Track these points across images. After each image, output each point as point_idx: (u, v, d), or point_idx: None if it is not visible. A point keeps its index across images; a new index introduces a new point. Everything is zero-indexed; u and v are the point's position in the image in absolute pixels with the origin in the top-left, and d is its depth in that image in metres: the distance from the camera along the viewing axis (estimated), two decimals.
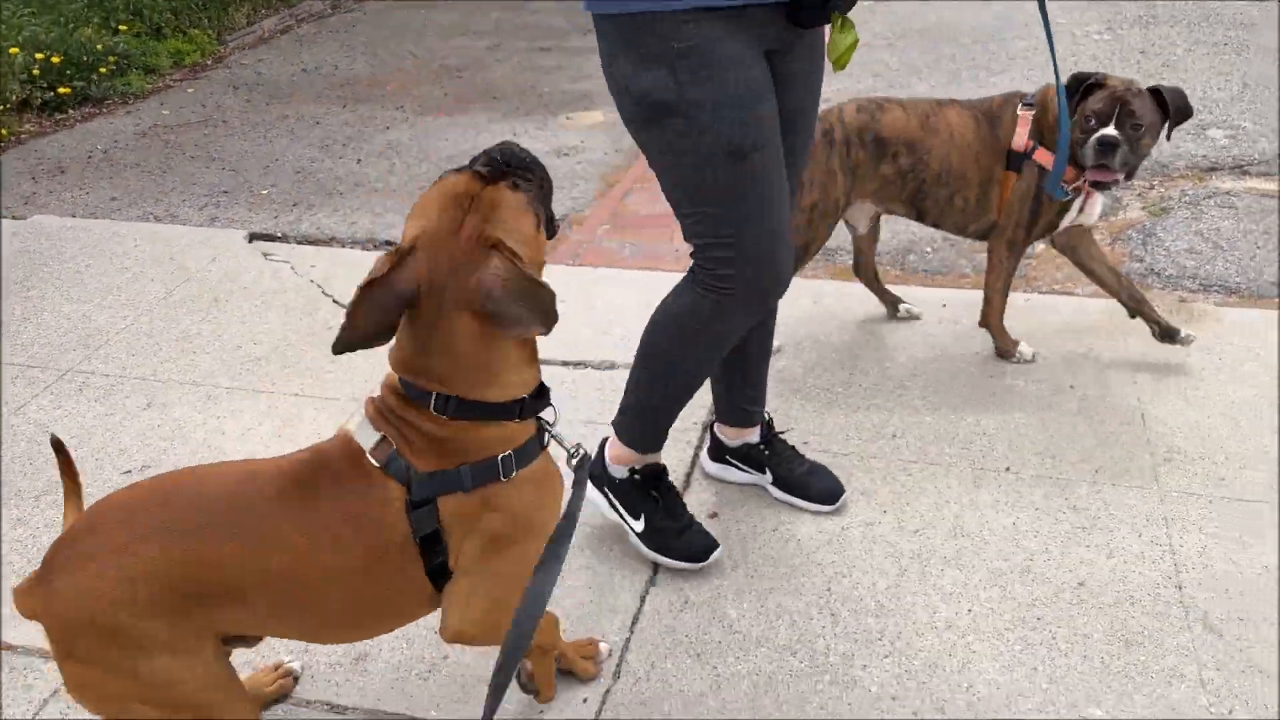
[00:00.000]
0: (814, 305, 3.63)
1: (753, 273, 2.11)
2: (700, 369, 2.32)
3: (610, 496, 2.54)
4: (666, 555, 2.47)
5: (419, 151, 5.46)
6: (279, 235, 4.52)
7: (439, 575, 1.68)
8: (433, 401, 1.60)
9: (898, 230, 4.28)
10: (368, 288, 1.52)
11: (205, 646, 1.60)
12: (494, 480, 1.64)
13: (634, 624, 2.37)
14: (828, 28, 2.05)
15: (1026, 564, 2.47)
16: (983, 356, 3.24)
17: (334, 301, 3.84)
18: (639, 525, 2.49)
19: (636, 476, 2.49)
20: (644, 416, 2.42)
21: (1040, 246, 4.09)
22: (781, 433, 2.75)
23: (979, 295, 3.68)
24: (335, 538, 1.59)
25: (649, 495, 2.49)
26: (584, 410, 3.13)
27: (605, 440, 2.56)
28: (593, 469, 2.57)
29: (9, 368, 3.50)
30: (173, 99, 6.65)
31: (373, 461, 1.61)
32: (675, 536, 2.47)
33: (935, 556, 2.51)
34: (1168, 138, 2.82)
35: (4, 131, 5.92)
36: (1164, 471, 2.74)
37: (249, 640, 1.79)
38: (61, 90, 6.38)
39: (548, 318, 1.55)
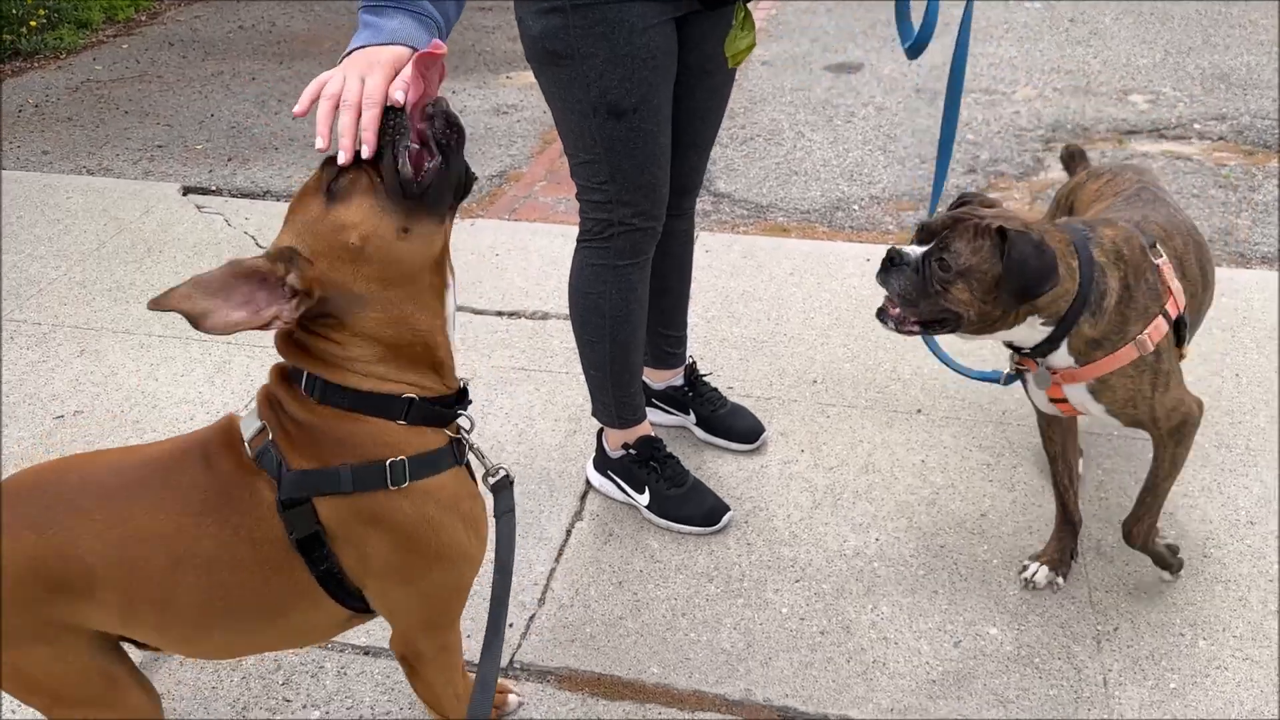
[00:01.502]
0: (744, 259, 3.73)
1: (623, 219, 2.23)
2: (624, 324, 2.38)
3: (615, 479, 2.61)
4: (677, 521, 2.53)
5: None
6: (213, 189, 4.51)
7: (333, 583, 1.51)
8: (303, 380, 1.44)
9: (827, 189, 4.39)
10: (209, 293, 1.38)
11: (79, 642, 1.49)
12: (379, 487, 1.44)
13: (560, 554, 2.46)
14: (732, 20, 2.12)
15: (932, 497, 2.60)
16: None
17: None
18: (644, 498, 2.56)
19: (631, 451, 2.57)
20: (603, 388, 2.49)
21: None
22: (705, 375, 2.85)
23: None
24: (195, 531, 1.44)
25: (648, 466, 2.56)
26: (518, 359, 3.20)
27: (601, 431, 2.63)
28: (596, 458, 2.66)
29: None
30: (106, 54, 6.55)
31: (248, 451, 1.46)
32: (682, 502, 2.53)
33: (847, 491, 2.63)
34: (996, 302, 1.85)
35: None
36: None
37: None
38: None
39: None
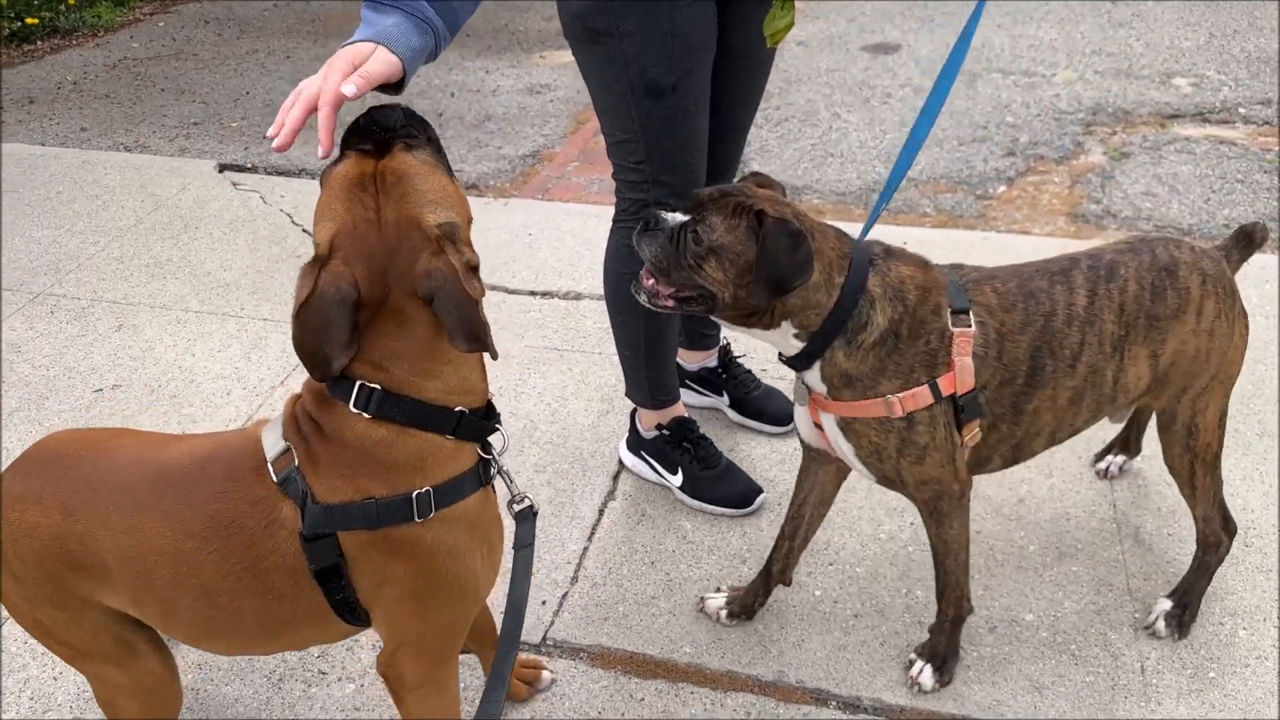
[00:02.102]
0: None
1: (658, 199, 2.20)
2: None
3: (648, 460, 2.61)
4: (710, 502, 2.52)
5: None
6: (249, 166, 4.53)
7: (345, 608, 1.48)
8: (354, 393, 1.36)
9: (863, 171, 4.35)
10: (298, 313, 1.30)
11: (92, 611, 1.54)
12: (404, 521, 1.40)
13: (592, 534, 2.47)
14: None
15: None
16: None
17: (303, 230, 3.87)
18: (677, 479, 2.55)
19: (665, 432, 2.56)
20: (636, 368, 2.49)
21: (1001, 187, 4.17)
22: (738, 357, 2.84)
23: (941, 234, 3.78)
24: (196, 557, 1.42)
25: (680, 447, 2.55)
26: (551, 339, 3.20)
27: (634, 411, 2.63)
28: (629, 438, 2.66)
29: None
30: (143, 32, 6.59)
31: (271, 475, 1.41)
32: (715, 483, 2.53)
33: None
34: (750, 289, 1.67)
35: None
36: None
37: None
38: (29, 21, 6.31)
39: (475, 340, 1.32)
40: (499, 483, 1.54)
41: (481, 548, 1.50)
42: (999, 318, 1.78)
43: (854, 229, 3.30)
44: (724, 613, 2.21)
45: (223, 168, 4.46)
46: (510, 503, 1.54)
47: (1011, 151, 4.46)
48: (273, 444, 1.43)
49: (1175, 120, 4.73)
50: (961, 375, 1.75)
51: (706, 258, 1.68)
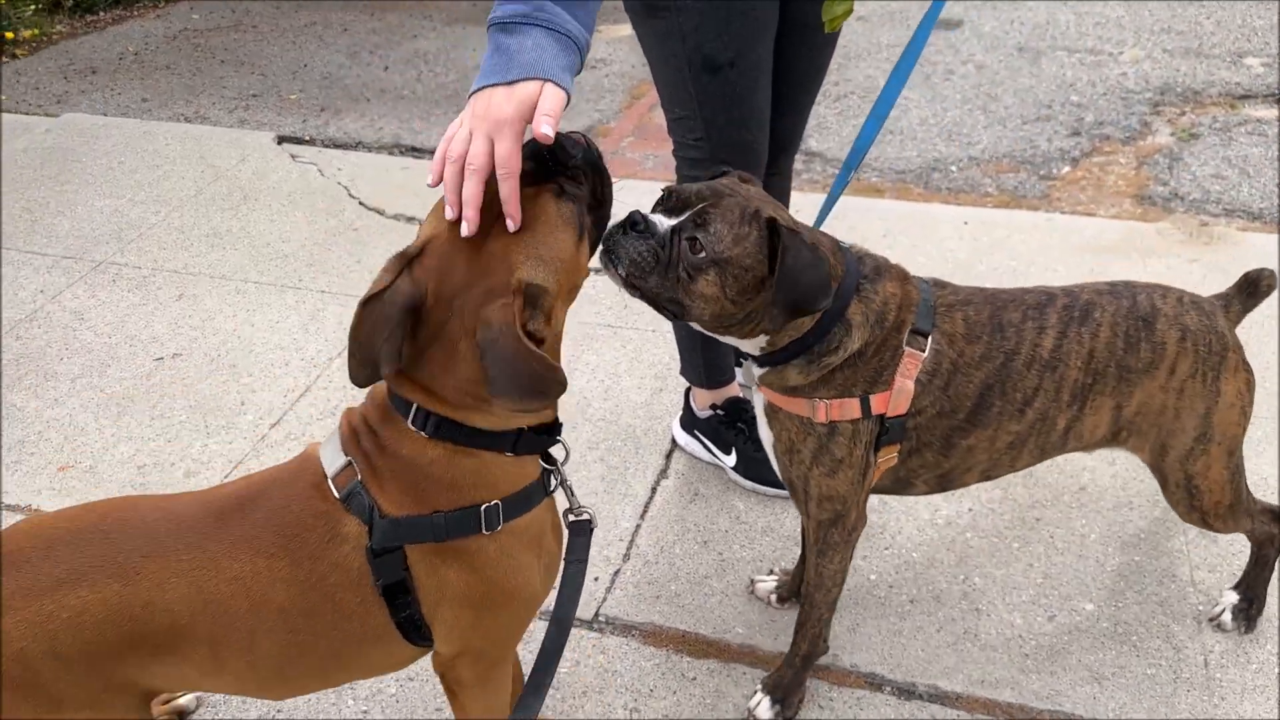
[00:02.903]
0: (835, 220, 3.64)
1: (718, 173, 2.15)
2: None
3: (702, 439, 2.59)
4: (765, 484, 2.50)
5: (446, 61, 5.46)
6: (306, 138, 4.56)
7: (410, 626, 1.44)
8: (411, 414, 1.34)
9: (924, 149, 4.27)
10: (366, 303, 1.27)
11: (128, 707, 1.40)
12: (473, 533, 1.37)
13: (645, 512, 2.46)
14: None
15: (1029, 470, 2.52)
16: (1001, 271, 3.26)
17: (360, 203, 3.89)
18: (731, 459, 2.54)
19: (719, 412, 2.55)
20: (691, 348, 2.47)
21: (1066, 168, 4.08)
22: None
23: (1001, 214, 3.70)
24: (269, 575, 1.36)
25: (735, 428, 2.53)
26: (605, 315, 3.19)
27: (689, 389, 2.61)
28: (683, 417, 2.64)
29: (45, 257, 3.59)
30: (203, 4, 6.65)
31: (334, 492, 1.37)
32: (769, 465, 2.49)
33: None
34: (744, 305, 1.55)
35: (36, 31, 5.96)
36: None
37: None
38: None
39: (537, 397, 1.26)
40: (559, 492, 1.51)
41: (542, 558, 1.48)
42: (959, 348, 1.67)
43: (913, 209, 3.25)
44: (774, 596, 2.19)
45: (281, 139, 4.49)
46: (567, 512, 1.51)
47: (1076, 131, 4.36)
48: (332, 460, 1.39)
49: (1246, 101, 4.59)
50: (897, 398, 1.65)
51: (705, 270, 1.50)
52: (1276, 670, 2.02)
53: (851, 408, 1.65)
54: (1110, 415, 1.76)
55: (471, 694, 1.56)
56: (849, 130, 4.46)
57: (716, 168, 2.13)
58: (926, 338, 1.65)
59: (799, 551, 2.33)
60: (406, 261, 1.29)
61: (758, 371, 1.72)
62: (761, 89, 2.12)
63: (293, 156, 4.30)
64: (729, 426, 2.52)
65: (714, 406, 2.55)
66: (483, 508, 1.36)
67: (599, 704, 2.01)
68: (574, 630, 2.15)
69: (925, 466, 1.76)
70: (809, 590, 1.88)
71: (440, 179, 1.31)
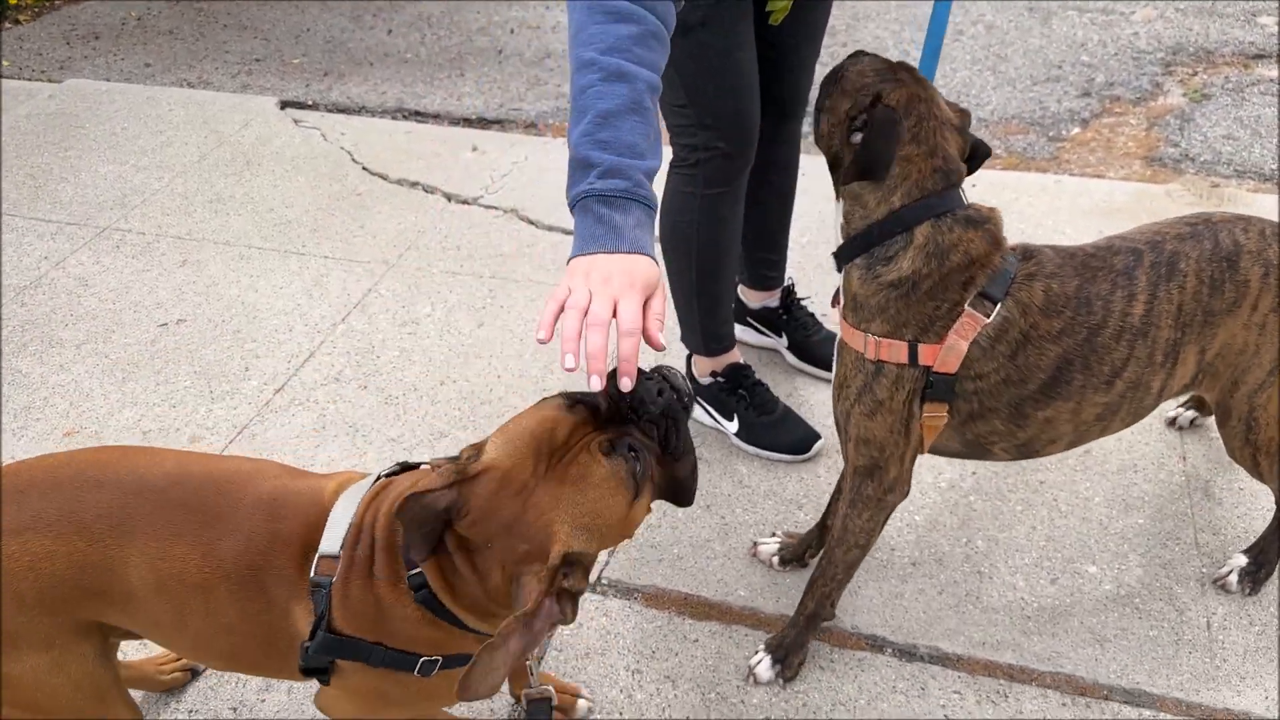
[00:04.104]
0: None
1: (707, 144, 2.15)
2: (711, 253, 2.33)
3: (704, 405, 2.59)
4: (767, 448, 2.50)
5: (449, 24, 5.41)
6: (310, 103, 4.53)
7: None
8: (414, 574, 1.32)
9: None
10: (411, 499, 1.24)
11: (85, 644, 1.43)
12: (405, 670, 1.38)
13: None
14: None
15: None
16: (1009, 234, 3.23)
17: (363, 168, 3.87)
18: (733, 425, 2.53)
19: (720, 379, 2.54)
20: (690, 315, 2.46)
21: (1075, 129, 4.04)
22: (802, 299, 2.79)
23: (1010, 176, 3.67)
24: (233, 593, 1.37)
25: (736, 394, 2.52)
26: None
27: (689, 356, 2.60)
28: None
29: (49, 224, 3.59)
30: None
31: (311, 573, 1.36)
32: (772, 429, 2.50)
33: None
34: (840, 141, 1.74)
35: None
36: None
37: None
38: None
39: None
40: None
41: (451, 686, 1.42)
42: (1032, 319, 1.65)
43: None
44: (776, 559, 2.19)
45: (284, 105, 4.47)
46: (524, 689, 1.49)
47: (1087, 92, 4.31)
48: (332, 540, 1.37)
49: (1260, 61, 4.52)
50: (946, 354, 1.64)
51: (830, 109, 1.72)
52: (1278, 633, 2.02)
53: (899, 350, 1.66)
54: (1195, 361, 1.76)
55: None
56: None
57: (707, 136, 2.12)
58: (995, 304, 1.63)
59: (802, 516, 2.33)
60: (463, 477, 1.25)
61: (840, 285, 1.76)
62: (741, 47, 2.05)
63: (296, 121, 4.27)
64: (730, 393, 2.52)
65: (714, 374, 2.54)
66: (421, 659, 1.37)
67: (601, 665, 2.02)
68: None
69: (997, 434, 1.74)
70: (830, 545, 1.87)
71: (552, 334, 1.26)
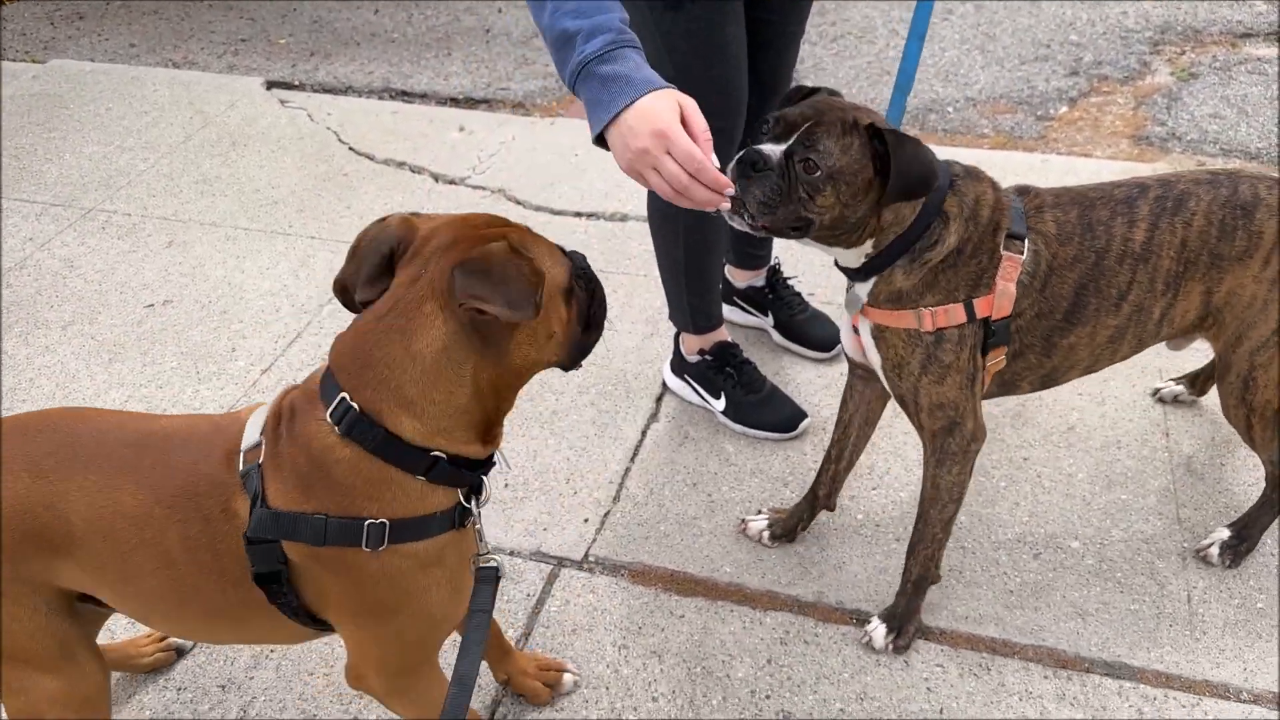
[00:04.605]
0: None
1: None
2: (699, 231, 2.33)
3: (692, 383, 2.59)
4: (753, 427, 2.51)
5: (436, 3, 5.38)
6: (296, 83, 4.51)
7: (299, 612, 1.42)
8: (334, 404, 1.29)
9: (920, 89, 4.22)
10: (369, 227, 1.31)
11: (37, 597, 1.41)
12: (352, 545, 1.31)
13: (635, 455, 2.47)
14: None
15: (1018, 410, 2.53)
16: None
17: (350, 149, 3.86)
18: (720, 404, 2.54)
19: (708, 358, 2.54)
20: (678, 293, 2.46)
21: (1063, 108, 4.04)
22: (788, 278, 2.79)
23: (998, 155, 3.67)
24: (163, 522, 1.36)
25: (724, 372, 2.53)
26: (596, 260, 3.17)
27: (678, 334, 2.60)
28: (673, 361, 2.63)
29: (34, 205, 3.57)
30: None
31: (239, 465, 1.35)
32: (758, 408, 2.51)
33: None
34: (878, 204, 1.64)
35: None
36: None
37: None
38: None
39: (514, 303, 1.23)
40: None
41: (442, 586, 1.41)
42: (1053, 249, 1.73)
43: None
44: (766, 534, 2.21)
45: (270, 85, 4.44)
46: (475, 556, 1.41)
47: (1075, 71, 4.31)
48: (251, 433, 1.37)
49: (1248, 39, 4.52)
50: (1000, 300, 1.71)
51: (822, 187, 1.59)
52: (1259, 605, 2.04)
53: (956, 313, 1.71)
54: (1200, 299, 1.80)
55: (395, 701, 1.53)
56: (845, 71, 4.41)
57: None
58: (1022, 241, 1.70)
59: (788, 493, 2.34)
60: (420, 217, 1.35)
61: (864, 290, 1.77)
62: (731, 22, 2.06)
63: (282, 102, 4.25)
64: (718, 371, 2.52)
65: (702, 352, 2.54)
66: (366, 523, 1.30)
67: (588, 641, 2.03)
68: (564, 570, 2.17)
69: (1029, 368, 1.83)
70: (924, 506, 1.90)
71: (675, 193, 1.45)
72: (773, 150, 1.60)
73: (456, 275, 1.23)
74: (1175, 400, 2.51)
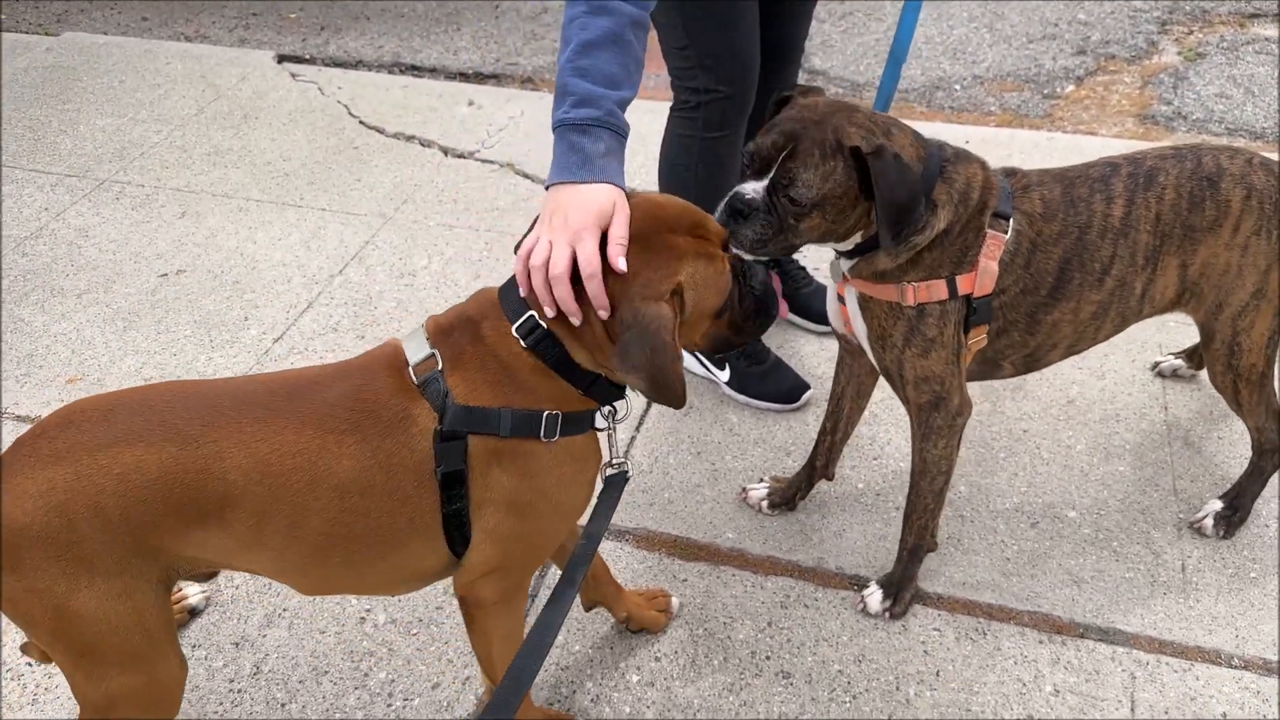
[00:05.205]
0: None
1: (707, 86, 2.19)
2: (709, 198, 2.30)
3: (696, 355, 2.62)
4: (757, 398, 2.54)
5: None
6: (306, 57, 4.54)
7: (454, 524, 1.48)
8: (524, 320, 1.43)
9: (928, 67, 4.24)
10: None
11: (154, 572, 1.40)
12: (532, 436, 1.44)
13: (640, 424, 2.51)
14: None
15: (1019, 383, 2.57)
16: None
17: (360, 122, 3.89)
18: (725, 375, 2.57)
19: None
20: None
21: (1070, 87, 4.05)
22: None
23: (1005, 133, 3.69)
24: (337, 450, 1.39)
25: None
26: None
27: None
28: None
29: (48, 175, 3.61)
30: None
31: (412, 377, 1.44)
32: (762, 380, 2.54)
33: None
34: (868, 213, 1.68)
35: None
36: None
37: (202, 575, 1.59)
38: None
39: (657, 390, 1.40)
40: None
41: (582, 483, 1.56)
42: (1037, 227, 1.76)
43: (916, 127, 3.24)
44: (765, 503, 2.25)
45: (281, 58, 4.47)
46: (608, 464, 1.58)
47: (1082, 50, 4.32)
48: (416, 350, 1.46)
49: (1256, 20, 4.53)
50: (982, 278, 1.73)
51: (809, 214, 1.64)
52: (1252, 574, 2.08)
53: (938, 289, 1.73)
54: (1177, 274, 1.84)
55: (492, 614, 1.60)
56: (854, 49, 4.42)
57: (707, 79, 2.15)
58: (1007, 220, 1.73)
59: (790, 463, 2.38)
60: (632, 204, 1.46)
61: (846, 265, 1.80)
62: None
63: (293, 75, 4.28)
64: None
65: None
66: (544, 414, 1.44)
67: None
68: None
69: (1012, 346, 1.85)
70: (914, 478, 1.94)
71: (529, 290, 1.43)
72: (755, 191, 1.65)
73: (621, 340, 1.39)
74: (1174, 374, 2.55)
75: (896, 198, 1.59)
